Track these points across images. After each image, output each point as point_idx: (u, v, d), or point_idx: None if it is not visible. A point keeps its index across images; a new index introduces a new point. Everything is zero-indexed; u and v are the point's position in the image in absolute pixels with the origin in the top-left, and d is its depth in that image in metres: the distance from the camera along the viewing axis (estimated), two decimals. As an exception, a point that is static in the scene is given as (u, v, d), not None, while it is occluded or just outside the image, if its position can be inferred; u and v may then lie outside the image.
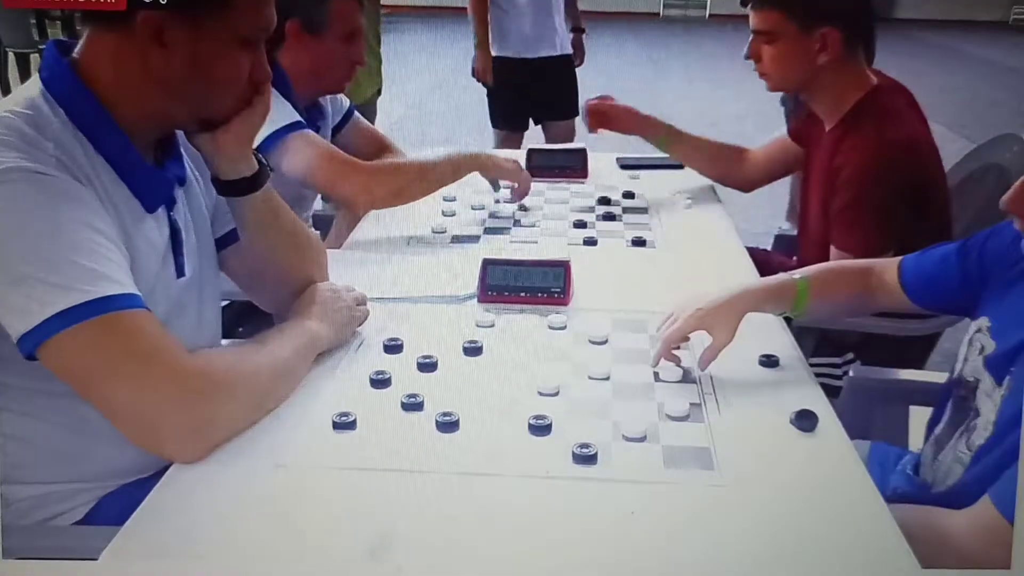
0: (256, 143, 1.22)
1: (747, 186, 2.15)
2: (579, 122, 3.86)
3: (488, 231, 1.88)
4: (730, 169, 2.11)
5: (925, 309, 1.38)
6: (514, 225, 1.91)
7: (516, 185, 2.00)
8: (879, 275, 1.38)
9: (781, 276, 1.36)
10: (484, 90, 3.79)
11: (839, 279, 1.39)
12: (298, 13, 1.84)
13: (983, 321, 1.20)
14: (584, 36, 3.87)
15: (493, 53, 3.66)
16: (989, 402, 1.15)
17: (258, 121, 1.20)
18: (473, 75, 3.71)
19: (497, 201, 2.04)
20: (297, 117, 1.80)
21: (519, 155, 2.31)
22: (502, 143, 3.79)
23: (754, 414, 1.16)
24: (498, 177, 2.02)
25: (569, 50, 3.76)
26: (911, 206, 1.71)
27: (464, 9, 3.72)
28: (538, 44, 3.66)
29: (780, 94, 3.57)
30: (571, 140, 3.65)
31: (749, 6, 1.82)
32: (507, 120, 3.76)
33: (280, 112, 1.76)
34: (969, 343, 1.22)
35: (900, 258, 1.37)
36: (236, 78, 1.13)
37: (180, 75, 1.08)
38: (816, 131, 1.89)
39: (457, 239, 1.83)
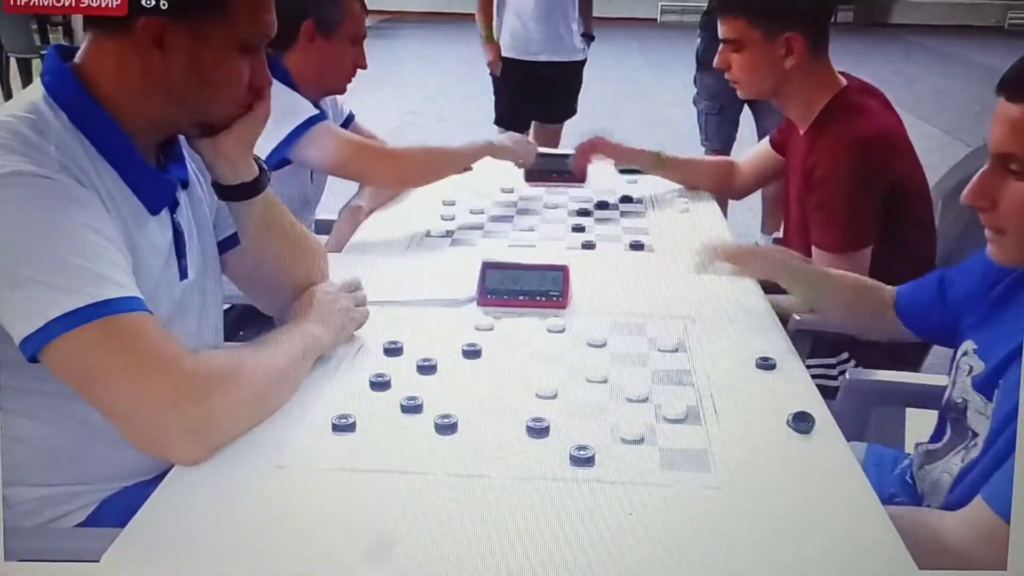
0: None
1: (739, 194, 2.26)
2: (567, 126, 3.93)
3: (487, 234, 1.89)
4: (722, 181, 2.19)
5: (911, 330, 1.40)
6: (513, 228, 1.93)
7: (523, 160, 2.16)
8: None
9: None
10: (484, 95, 3.84)
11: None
12: (313, 13, 1.88)
13: (968, 344, 1.22)
14: (590, 42, 3.89)
15: (503, 54, 3.75)
16: (983, 419, 1.15)
17: (258, 126, 1.20)
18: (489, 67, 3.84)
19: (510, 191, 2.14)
20: (315, 110, 1.84)
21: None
22: None
23: (751, 416, 1.16)
24: (507, 158, 2.14)
25: (578, 57, 3.80)
26: (887, 200, 1.74)
27: (463, 15, 3.78)
28: (543, 49, 3.72)
29: (696, 98, 3.71)
30: (556, 145, 3.71)
31: (717, 16, 1.87)
32: (509, 120, 3.83)
33: (299, 106, 1.81)
34: (957, 367, 1.23)
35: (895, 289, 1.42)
36: (236, 83, 1.14)
37: (180, 80, 1.09)
38: (793, 137, 1.93)
39: (456, 242, 1.84)
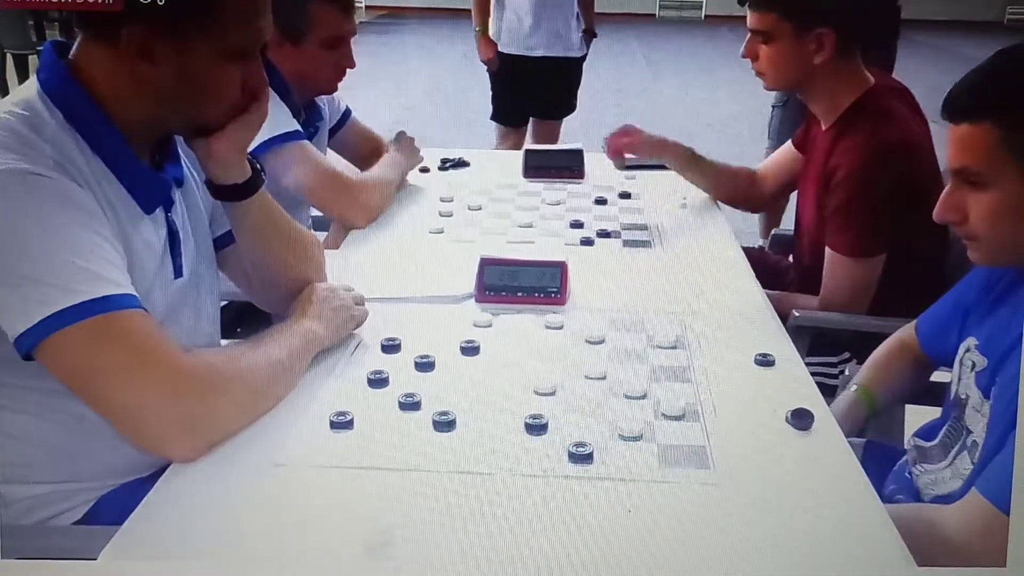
0: (251, 147, 1.22)
1: (760, 206, 2.22)
2: (566, 122, 3.93)
3: (485, 231, 1.88)
4: (739, 192, 2.10)
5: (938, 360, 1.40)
6: (511, 225, 1.92)
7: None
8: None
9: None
10: (481, 91, 3.83)
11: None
12: (276, 22, 1.83)
13: (970, 341, 1.22)
14: (592, 39, 3.88)
15: (499, 49, 3.75)
16: (979, 417, 1.16)
17: (253, 129, 1.19)
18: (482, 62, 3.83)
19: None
20: (295, 126, 1.79)
21: (517, 155, 2.33)
22: (501, 138, 3.83)
23: (749, 413, 1.16)
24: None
25: (576, 53, 3.79)
26: (905, 207, 1.72)
27: (461, 11, 3.77)
28: (539, 44, 3.71)
29: (774, 99, 3.61)
30: (555, 140, 3.70)
31: (746, 5, 1.83)
32: (506, 116, 3.82)
33: (278, 118, 1.74)
34: (960, 363, 1.23)
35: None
36: (227, 90, 1.13)
37: (170, 89, 1.08)
38: (814, 133, 1.90)
39: (454, 239, 1.84)
